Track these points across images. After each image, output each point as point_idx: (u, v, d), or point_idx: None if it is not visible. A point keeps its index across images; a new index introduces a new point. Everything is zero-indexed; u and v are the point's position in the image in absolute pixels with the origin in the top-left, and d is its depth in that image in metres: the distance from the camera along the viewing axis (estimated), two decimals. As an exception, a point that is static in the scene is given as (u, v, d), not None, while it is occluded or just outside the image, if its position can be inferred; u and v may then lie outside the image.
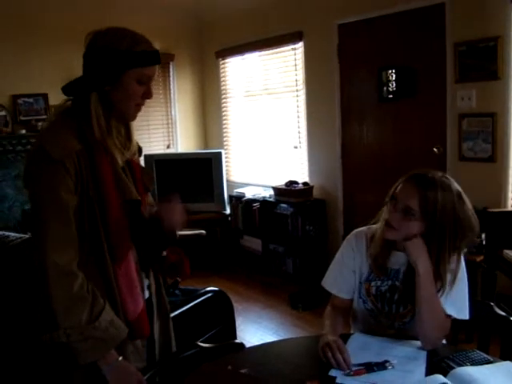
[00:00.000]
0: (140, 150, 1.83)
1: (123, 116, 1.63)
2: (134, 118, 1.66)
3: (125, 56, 1.52)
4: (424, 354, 1.65)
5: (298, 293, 4.62)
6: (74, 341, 1.46)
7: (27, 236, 2.52)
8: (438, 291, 1.70)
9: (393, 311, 1.82)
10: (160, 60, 1.60)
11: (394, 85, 4.21)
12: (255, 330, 4.08)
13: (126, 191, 1.62)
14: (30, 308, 2.22)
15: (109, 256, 1.57)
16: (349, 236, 1.95)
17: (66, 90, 1.61)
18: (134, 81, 1.56)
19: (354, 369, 1.54)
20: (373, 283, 1.84)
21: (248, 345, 3.76)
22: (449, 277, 1.70)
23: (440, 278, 1.70)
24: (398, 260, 1.80)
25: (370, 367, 1.55)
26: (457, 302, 1.72)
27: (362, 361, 1.59)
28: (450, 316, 1.72)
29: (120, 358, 1.56)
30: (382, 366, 1.56)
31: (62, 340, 1.45)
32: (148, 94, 1.61)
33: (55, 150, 1.47)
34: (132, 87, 1.56)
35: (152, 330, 1.76)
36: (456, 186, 1.71)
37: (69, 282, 1.46)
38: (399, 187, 1.72)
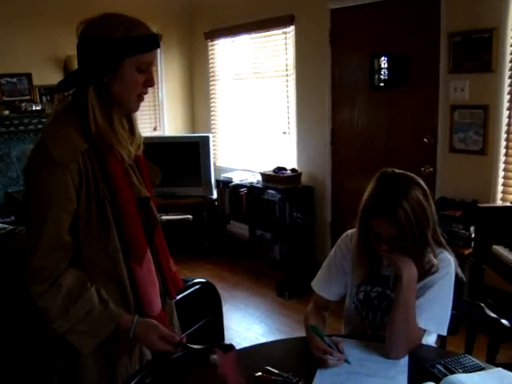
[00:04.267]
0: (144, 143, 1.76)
1: (125, 108, 1.55)
2: (136, 109, 1.57)
3: (120, 44, 1.43)
4: (405, 358, 1.63)
5: (285, 280, 4.61)
6: (66, 331, 1.47)
7: (11, 227, 2.46)
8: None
9: (376, 321, 1.79)
10: (159, 44, 1.53)
11: (386, 73, 4.16)
12: (241, 318, 4.08)
13: (134, 190, 1.57)
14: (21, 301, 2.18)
15: (123, 256, 1.54)
16: (343, 236, 1.92)
17: (62, 85, 1.53)
18: (133, 69, 1.47)
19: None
20: (362, 288, 1.81)
21: (234, 334, 3.76)
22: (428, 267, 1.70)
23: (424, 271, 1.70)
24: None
25: None
26: (435, 315, 1.68)
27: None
28: (423, 330, 1.68)
29: (136, 317, 1.54)
30: None
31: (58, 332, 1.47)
32: (150, 82, 1.53)
33: (59, 151, 1.41)
34: (131, 76, 1.48)
35: None
36: (411, 178, 1.69)
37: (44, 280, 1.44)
38: (373, 224, 1.67)
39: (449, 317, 1.70)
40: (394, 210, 1.61)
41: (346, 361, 1.59)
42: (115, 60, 1.45)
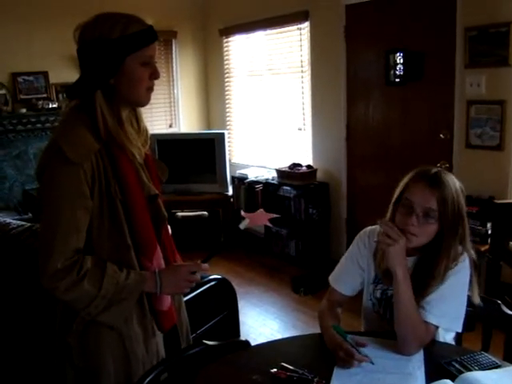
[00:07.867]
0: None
1: (137, 104, 1.60)
2: (147, 101, 1.60)
3: (120, 43, 1.46)
4: (420, 353, 1.62)
5: (300, 276, 4.61)
6: (97, 314, 1.49)
7: (28, 224, 2.49)
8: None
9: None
10: (157, 35, 1.55)
11: (402, 68, 4.14)
12: (257, 314, 4.08)
13: (144, 188, 1.59)
14: (37, 299, 2.21)
15: (134, 253, 1.56)
16: (361, 233, 1.91)
17: (70, 92, 1.55)
18: (138, 65, 1.50)
19: None
20: (379, 286, 1.80)
21: (250, 329, 3.76)
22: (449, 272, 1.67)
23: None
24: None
25: None
26: (448, 311, 1.65)
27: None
28: (435, 326, 1.65)
29: (157, 271, 1.57)
30: None
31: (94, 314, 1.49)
32: (155, 74, 1.56)
33: (73, 151, 1.43)
34: (137, 73, 1.51)
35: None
36: (456, 179, 1.69)
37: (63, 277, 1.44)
38: (411, 191, 1.66)
39: (463, 313, 1.67)
40: (439, 183, 1.61)
41: (371, 362, 1.55)
42: (118, 60, 1.47)
